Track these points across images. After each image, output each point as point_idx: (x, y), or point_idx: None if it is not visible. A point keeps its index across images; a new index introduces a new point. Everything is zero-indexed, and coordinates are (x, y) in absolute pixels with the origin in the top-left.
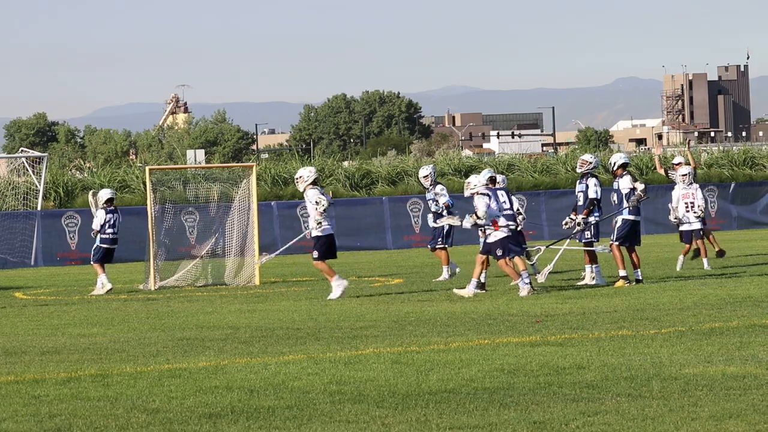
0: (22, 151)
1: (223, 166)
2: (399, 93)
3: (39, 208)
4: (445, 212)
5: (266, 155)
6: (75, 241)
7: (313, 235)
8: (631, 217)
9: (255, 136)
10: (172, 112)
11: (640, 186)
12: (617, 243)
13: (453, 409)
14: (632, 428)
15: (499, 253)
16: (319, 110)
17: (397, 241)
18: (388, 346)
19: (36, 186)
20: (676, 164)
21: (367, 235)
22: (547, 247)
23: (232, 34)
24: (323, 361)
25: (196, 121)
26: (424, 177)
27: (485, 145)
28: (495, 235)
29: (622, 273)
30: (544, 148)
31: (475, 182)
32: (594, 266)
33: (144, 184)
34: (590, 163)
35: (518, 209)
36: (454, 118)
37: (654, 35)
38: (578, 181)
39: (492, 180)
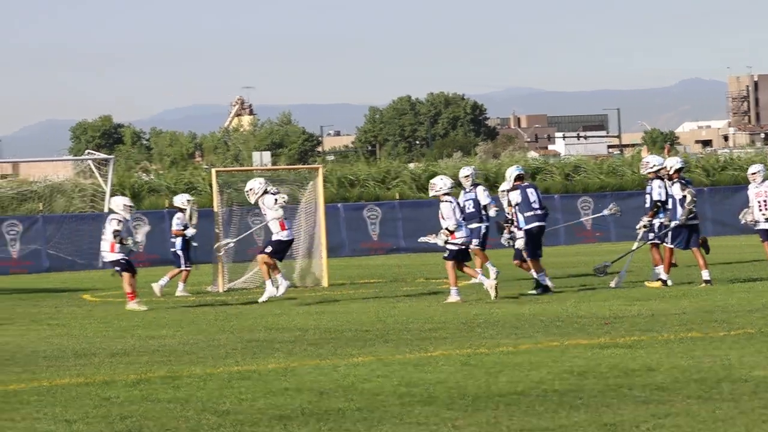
0: (88, 153)
1: (290, 168)
2: (464, 95)
3: (106, 211)
4: (484, 213)
5: (332, 157)
6: (142, 243)
7: (275, 238)
8: (688, 222)
9: (320, 138)
10: (238, 114)
11: (689, 196)
12: (670, 246)
13: (523, 411)
14: (703, 430)
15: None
16: (384, 112)
17: None
18: (457, 348)
19: (102, 188)
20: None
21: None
22: (612, 263)
23: (296, 35)
24: (393, 363)
25: (262, 123)
26: (465, 177)
27: (551, 147)
28: (450, 245)
29: (663, 276)
30: (610, 150)
31: (441, 185)
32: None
33: (210, 185)
34: (652, 165)
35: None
36: (519, 119)
37: (718, 36)
38: (646, 183)
39: (520, 177)
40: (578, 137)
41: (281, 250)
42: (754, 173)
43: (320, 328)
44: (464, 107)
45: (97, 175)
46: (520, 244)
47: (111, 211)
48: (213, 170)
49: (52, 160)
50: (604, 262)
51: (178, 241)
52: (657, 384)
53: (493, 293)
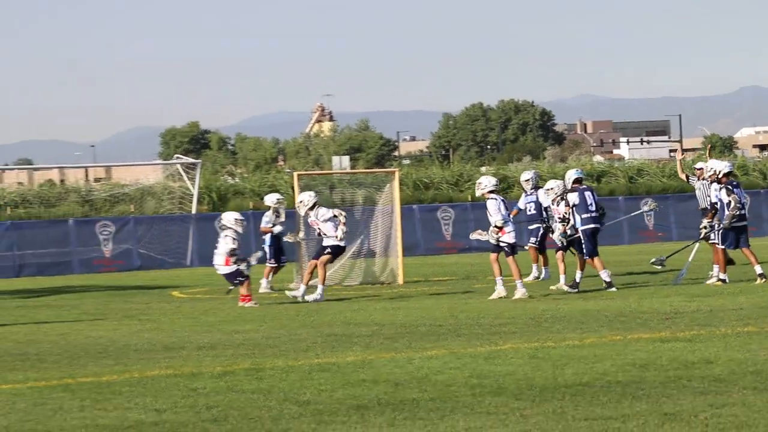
0: (176, 157)
1: (367, 172)
2: (533, 102)
3: (194, 212)
4: (545, 215)
5: (407, 161)
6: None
7: (333, 243)
8: (735, 224)
9: (397, 143)
10: (318, 121)
11: (733, 201)
12: (722, 247)
13: (588, 402)
14: (758, 420)
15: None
16: (457, 118)
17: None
18: (525, 341)
19: (190, 191)
20: (698, 169)
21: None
22: (667, 258)
23: (374, 46)
24: (464, 356)
25: (341, 129)
26: (525, 180)
27: (615, 151)
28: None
29: (721, 276)
30: (672, 154)
31: (486, 183)
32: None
33: (292, 188)
34: (710, 168)
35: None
36: (585, 125)
37: None
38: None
39: (578, 180)
40: (641, 142)
41: (337, 254)
42: None
43: (396, 323)
44: (533, 113)
45: (185, 178)
46: (556, 236)
47: (224, 227)
48: (295, 173)
49: (143, 165)
50: (660, 257)
51: (267, 237)
52: (715, 376)
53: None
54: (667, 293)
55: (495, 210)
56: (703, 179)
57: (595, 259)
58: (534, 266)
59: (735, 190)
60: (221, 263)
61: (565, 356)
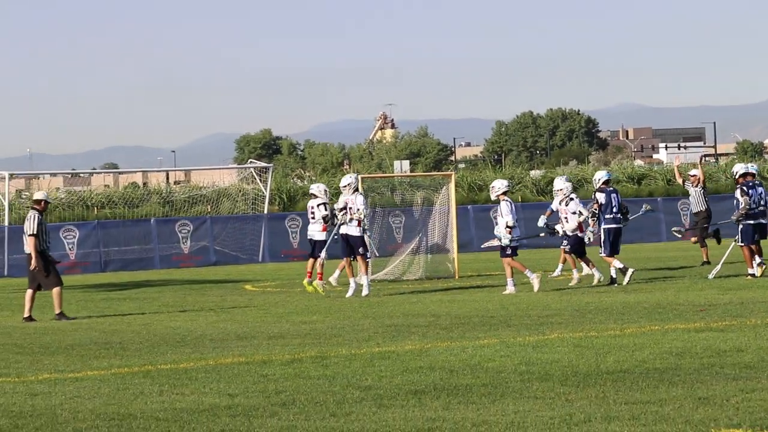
0: (250, 162)
1: (426, 175)
2: (579, 110)
3: (266, 212)
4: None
5: (463, 165)
6: (297, 240)
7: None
8: (746, 222)
9: (453, 149)
10: (381, 128)
11: (743, 202)
12: (741, 245)
13: (628, 387)
14: None
15: (508, 252)
16: (509, 125)
17: None
18: (570, 331)
19: (263, 192)
20: (692, 175)
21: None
22: (687, 230)
23: (431, 59)
24: (514, 345)
25: (402, 136)
26: (558, 190)
27: (654, 156)
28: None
29: (750, 270)
30: (706, 159)
31: (499, 186)
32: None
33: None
34: (732, 173)
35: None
36: (627, 132)
37: None
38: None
39: (607, 182)
40: (678, 147)
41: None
42: None
43: (451, 315)
44: (579, 121)
45: (258, 181)
46: (559, 229)
47: (313, 196)
48: (359, 176)
49: (219, 168)
50: (679, 227)
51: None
52: (745, 363)
53: (536, 286)
54: (701, 287)
55: (507, 211)
56: (697, 186)
57: (613, 259)
58: (574, 269)
59: (750, 191)
60: (318, 229)
61: (607, 345)
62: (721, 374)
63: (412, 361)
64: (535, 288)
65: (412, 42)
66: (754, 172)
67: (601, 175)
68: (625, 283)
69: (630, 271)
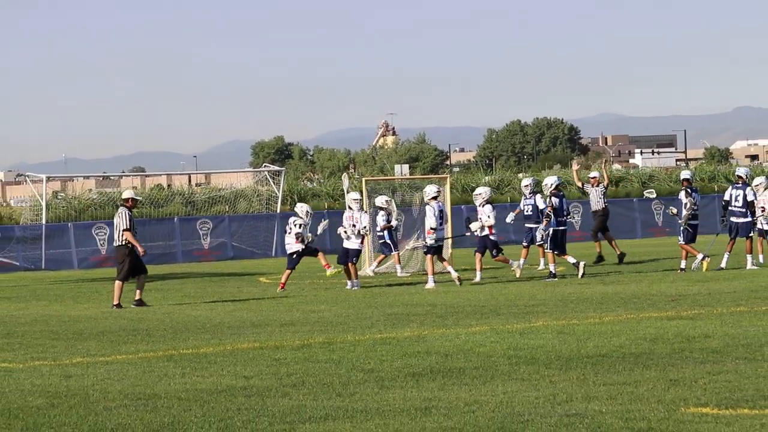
0: (264, 166)
1: (423, 178)
2: (563, 119)
3: (278, 211)
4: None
5: (457, 169)
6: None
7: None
8: (735, 220)
9: (448, 154)
10: (383, 135)
11: (689, 203)
12: (682, 242)
13: (606, 370)
14: (747, 384)
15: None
16: (499, 133)
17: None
18: (554, 319)
19: (275, 194)
20: (592, 177)
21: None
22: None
23: (428, 72)
24: (503, 332)
25: (402, 142)
26: (525, 186)
27: (631, 161)
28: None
29: (682, 264)
30: (678, 163)
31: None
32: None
33: (361, 191)
34: (739, 176)
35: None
36: (606, 139)
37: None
38: None
39: (557, 187)
40: (653, 153)
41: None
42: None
43: (446, 304)
44: (563, 129)
45: (271, 183)
46: (475, 226)
47: (295, 214)
48: (363, 179)
49: (236, 172)
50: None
51: (386, 233)
52: (712, 348)
53: (518, 273)
54: (673, 279)
55: (431, 215)
56: (597, 186)
57: (564, 256)
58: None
59: (693, 193)
60: (292, 242)
61: (587, 332)
62: (690, 358)
63: (410, 347)
64: (428, 285)
65: (412, 56)
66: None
67: (552, 181)
68: (580, 276)
69: (582, 264)
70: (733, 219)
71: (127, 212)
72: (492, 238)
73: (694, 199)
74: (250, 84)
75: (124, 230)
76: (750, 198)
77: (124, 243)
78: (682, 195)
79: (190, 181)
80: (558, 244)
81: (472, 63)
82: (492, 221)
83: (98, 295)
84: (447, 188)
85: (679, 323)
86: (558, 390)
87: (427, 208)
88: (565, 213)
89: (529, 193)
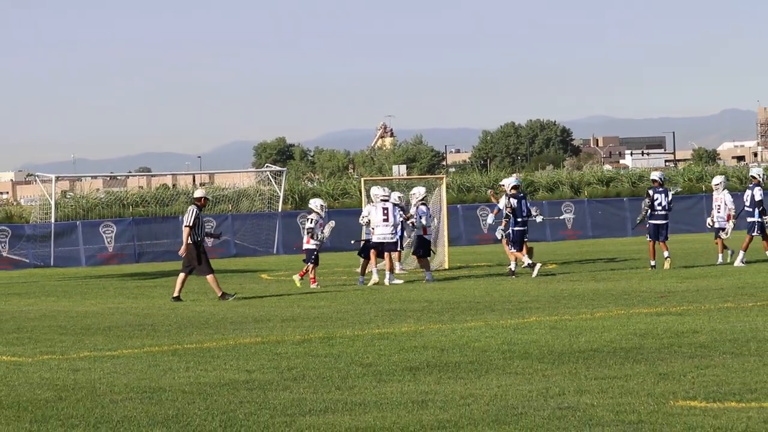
0: (266, 166)
1: (420, 178)
2: (555, 121)
3: (280, 210)
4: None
5: (453, 169)
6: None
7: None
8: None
9: (444, 155)
10: (381, 137)
11: (505, 210)
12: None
13: (597, 364)
14: (734, 378)
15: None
16: (494, 134)
17: (553, 235)
18: (547, 315)
19: (277, 193)
20: (500, 185)
21: (531, 231)
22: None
23: (426, 75)
24: (497, 327)
25: (400, 143)
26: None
27: (621, 161)
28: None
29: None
30: (667, 164)
31: (376, 192)
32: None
33: (360, 191)
34: (752, 177)
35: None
36: (597, 140)
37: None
38: None
39: (516, 187)
40: (642, 154)
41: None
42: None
43: (442, 300)
44: (555, 131)
45: (273, 183)
46: (434, 223)
47: (310, 210)
48: (362, 179)
49: (239, 172)
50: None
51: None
52: (700, 343)
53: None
54: (662, 276)
55: (377, 213)
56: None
57: (519, 253)
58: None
59: (512, 200)
60: (304, 240)
61: (579, 327)
62: (679, 353)
63: (407, 342)
64: (373, 280)
65: (410, 60)
66: (656, 178)
67: (510, 181)
68: (534, 275)
69: (537, 266)
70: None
71: (195, 210)
72: (426, 238)
73: (654, 200)
74: (253, 86)
75: (186, 226)
76: (758, 197)
77: (191, 240)
78: (503, 202)
79: (194, 180)
80: (516, 242)
81: (468, 67)
82: (424, 222)
83: (105, 291)
84: (443, 188)
85: (668, 319)
86: (551, 384)
87: (379, 206)
88: (524, 214)
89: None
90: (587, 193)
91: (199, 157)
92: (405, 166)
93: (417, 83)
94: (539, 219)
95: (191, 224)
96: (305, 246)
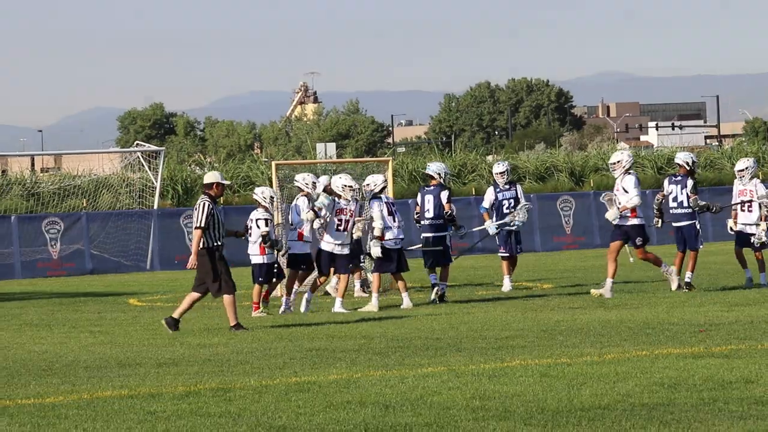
0: (137, 144)
1: (357, 161)
2: (548, 81)
3: (155, 207)
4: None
5: (403, 149)
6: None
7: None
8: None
9: (390, 128)
10: (301, 102)
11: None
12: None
13: (608, 428)
14: None
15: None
16: (460, 100)
17: (546, 242)
18: (536, 357)
19: (152, 183)
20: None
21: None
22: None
23: (364, 17)
24: (465, 374)
25: (327, 112)
26: (498, 173)
27: (642, 138)
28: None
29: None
30: (708, 141)
31: (373, 183)
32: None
33: (270, 180)
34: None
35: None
36: (608, 107)
37: None
38: None
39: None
40: (673, 127)
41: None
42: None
43: (386, 336)
44: (548, 94)
45: (147, 168)
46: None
47: (257, 205)
48: (273, 163)
49: (98, 153)
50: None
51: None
52: (756, 398)
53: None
54: (700, 302)
55: (304, 208)
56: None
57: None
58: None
59: (674, 185)
60: (256, 252)
61: (582, 374)
62: (725, 411)
63: (337, 395)
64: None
65: None
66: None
67: (497, 166)
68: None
69: (435, 289)
70: None
71: (208, 204)
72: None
73: (668, 193)
74: (117, 33)
75: (196, 227)
76: None
77: (204, 246)
78: (665, 183)
79: (33, 165)
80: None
81: (425, 5)
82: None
83: None
84: (389, 175)
85: (709, 363)
86: None
87: (374, 203)
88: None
89: (506, 183)
90: (593, 184)
91: (40, 131)
92: (334, 144)
93: (350, 28)
94: (493, 230)
95: (203, 224)
96: (256, 260)
